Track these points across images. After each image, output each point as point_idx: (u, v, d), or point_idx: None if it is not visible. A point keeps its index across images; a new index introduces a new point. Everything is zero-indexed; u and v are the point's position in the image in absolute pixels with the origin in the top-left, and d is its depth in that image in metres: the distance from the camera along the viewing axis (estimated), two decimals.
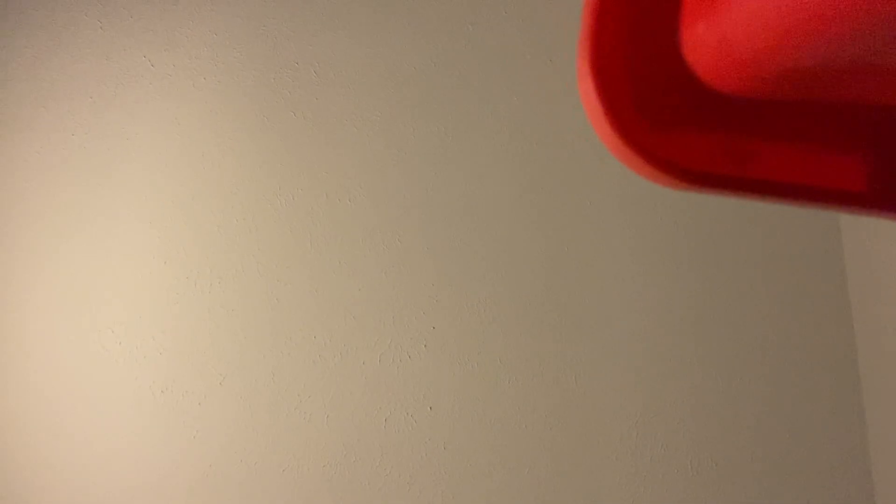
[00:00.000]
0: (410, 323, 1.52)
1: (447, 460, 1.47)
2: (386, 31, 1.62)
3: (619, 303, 1.49)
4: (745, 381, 1.44)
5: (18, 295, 1.61)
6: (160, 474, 1.52)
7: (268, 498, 1.49)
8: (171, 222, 1.60)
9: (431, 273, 1.53)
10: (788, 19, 0.14)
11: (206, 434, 1.52)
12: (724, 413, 1.43)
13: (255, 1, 1.66)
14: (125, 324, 1.58)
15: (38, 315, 1.60)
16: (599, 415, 1.46)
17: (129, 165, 1.63)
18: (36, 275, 1.61)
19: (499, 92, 1.58)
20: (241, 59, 1.64)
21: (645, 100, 0.19)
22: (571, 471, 1.44)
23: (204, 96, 1.64)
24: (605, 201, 1.52)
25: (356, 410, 1.50)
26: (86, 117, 1.66)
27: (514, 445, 1.46)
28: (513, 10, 1.60)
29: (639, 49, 0.19)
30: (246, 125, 1.62)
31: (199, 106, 1.64)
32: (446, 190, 1.56)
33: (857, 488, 1.39)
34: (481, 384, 1.49)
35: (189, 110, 1.64)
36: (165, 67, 1.66)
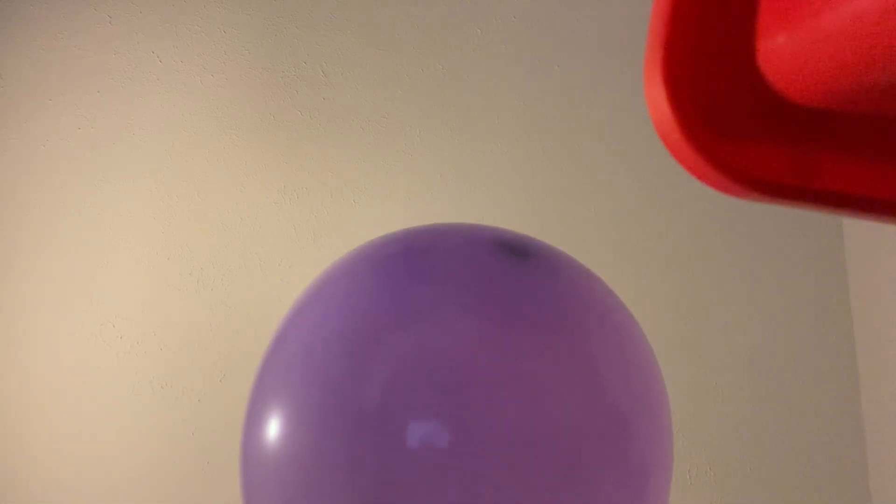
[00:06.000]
0: None
1: None
2: (394, 32, 1.63)
3: None
4: (744, 388, 1.44)
5: (20, 287, 1.60)
6: (157, 470, 1.51)
7: None
8: (175, 218, 1.60)
9: None
10: (878, 37, 0.14)
11: (203, 431, 1.52)
12: (723, 420, 1.44)
13: None
14: (126, 318, 1.57)
15: (40, 307, 1.59)
16: None
17: (135, 160, 1.63)
18: (38, 267, 1.61)
19: (506, 96, 1.58)
20: (250, 56, 1.64)
21: (714, 108, 0.19)
22: None
23: (211, 92, 1.64)
24: (608, 206, 1.53)
25: None
26: (92, 111, 1.65)
27: None
28: (521, 15, 1.60)
29: (710, 57, 0.19)
30: (252, 123, 1.62)
31: (207, 102, 1.63)
32: (451, 193, 1.56)
33: (855, 494, 1.39)
34: None
35: (196, 106, 1.64)
36: (173, 63, 1.66)
